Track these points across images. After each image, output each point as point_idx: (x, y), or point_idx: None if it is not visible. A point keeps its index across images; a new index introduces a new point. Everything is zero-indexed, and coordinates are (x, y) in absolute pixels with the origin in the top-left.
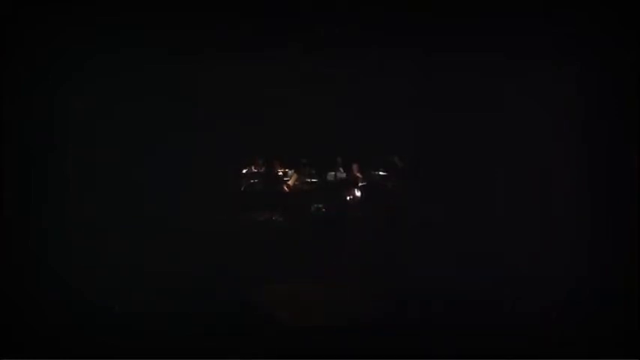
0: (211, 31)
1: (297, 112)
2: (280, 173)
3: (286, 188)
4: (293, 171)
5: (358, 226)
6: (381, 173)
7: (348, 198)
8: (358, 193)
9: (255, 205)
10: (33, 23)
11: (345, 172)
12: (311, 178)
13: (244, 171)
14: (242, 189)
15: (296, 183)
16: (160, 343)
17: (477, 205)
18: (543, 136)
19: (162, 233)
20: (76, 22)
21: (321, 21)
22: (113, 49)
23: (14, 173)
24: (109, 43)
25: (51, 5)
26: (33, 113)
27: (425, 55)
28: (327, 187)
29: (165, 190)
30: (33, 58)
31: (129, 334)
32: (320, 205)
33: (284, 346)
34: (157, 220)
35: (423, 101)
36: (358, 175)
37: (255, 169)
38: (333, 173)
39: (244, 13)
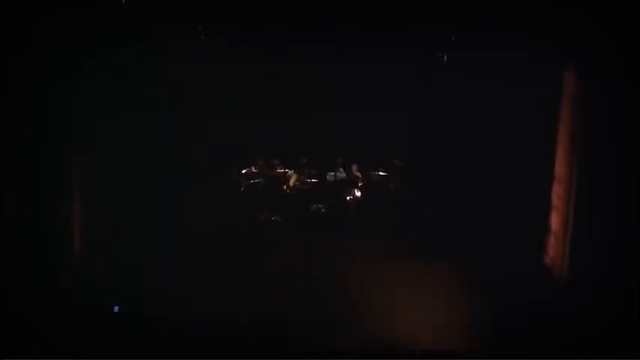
0: (212, 31)
1: (298, 113)
2: (280, 173)
3: (286, 188)
4: (293, 171)
5: (358, 226)
6: (381, 173)
7: (348, 198)
8: (358, 193)
9: (255, 205)
10: (32, 23)
11: (345, 172)
12: (311, 178)
13: (244, 171)
14: (242, 189)
15: (296, 183)
16: (160, 343)
17: (476, 204)
18: (543, 136)
19: (161, 233)
20: (76, 22)
21: (322, 22)
22: (113, 49)
23: (14, 173)
24: (110, 43)
25: (51, 5)
26: (32, 112)
27: (425, 55)
28: (327, 187)
29: (165, 189)
30: (33, 58)
31: (129, 334)
32: (320, 205)
33: (283, 346)
34: (157, 220)
35: (423, 101)
36: (358, 175)
37: (255, 169)
38: (333, 173)
39: (246, 14)
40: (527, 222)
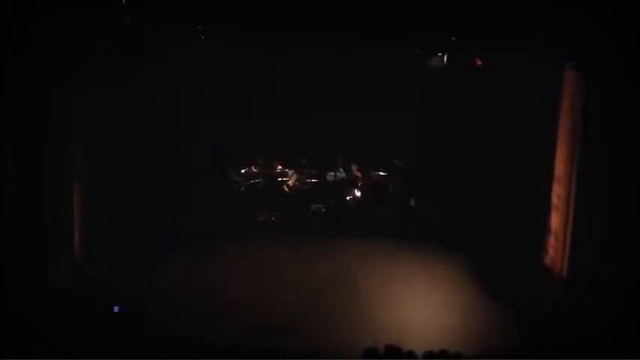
0: (212, 31)
1: (298, 113)
2: (280, 173)
3: (286, 188)
4: (293, 171)
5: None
6: (381, 173)
7: (348, 198)
8: (358, 193)
9: (255, 205)
10: (32, 23)
11: (345, 172)
12: (311, 178)
13: (244, 171)
14: (242, 189)
15: (296, 183)
16: (160, 343)
17: (476, 204)
18: (543, 136)
19: (161, 233)
20: (76, 22)
21: (322, 22)
22: (113, 49)
23: (14, 173)
24: (110, 43)
25: (51, 5)
26: (32, 112)
27: (423, 56)
28: (327, 187)
29: (165, 189)
30: (33, 58)
31: (129, 334)
32: (320, 205)
33: (283, 346)
34: (157, 220)
35: (422, 101)
36: (358, 175)
37: (255, 169)
38: (333, 173)
39: (246, 14)
40: (527, 222)
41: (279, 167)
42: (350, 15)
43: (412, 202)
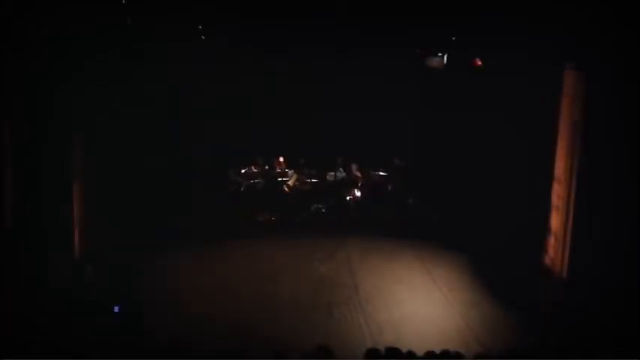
0: (212, 31)
1: (298, 113)
2: (280, 173)
3: (286, 188)
4: (293, 171)
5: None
6: (381, 173)
7: (348, 198)
8: (358, 193)
9: (255, 205)
10: (32, 23)
11: (345, 172)
12: (311, 178)
13: (244, 171)
14: (242, 189)
15: (296, 183)
16: (161, 343)
17: (476, 204)
18: (543, 136)
19: (161, 233)
20: (76, 22)
21: (322, 22)
22: (113, 49)
23: (14, 173)
24: (110, 43)
25: (51, 5)
26: (32, 112)
27: (425, 55)
28: (327, 187)
29: (165, 189)
30: (33, 58)
31: (129, 334)
32: (320, 205)
33: (281, 346)
34: (157, 220)
35: (422, 101)
36: (358, 175)
37: (255, 169)
38: (333, 173)
39: (246, 14)
40: (527, 222)
41: (279, 166)
42: (350, 15)
43: (410, 201)
